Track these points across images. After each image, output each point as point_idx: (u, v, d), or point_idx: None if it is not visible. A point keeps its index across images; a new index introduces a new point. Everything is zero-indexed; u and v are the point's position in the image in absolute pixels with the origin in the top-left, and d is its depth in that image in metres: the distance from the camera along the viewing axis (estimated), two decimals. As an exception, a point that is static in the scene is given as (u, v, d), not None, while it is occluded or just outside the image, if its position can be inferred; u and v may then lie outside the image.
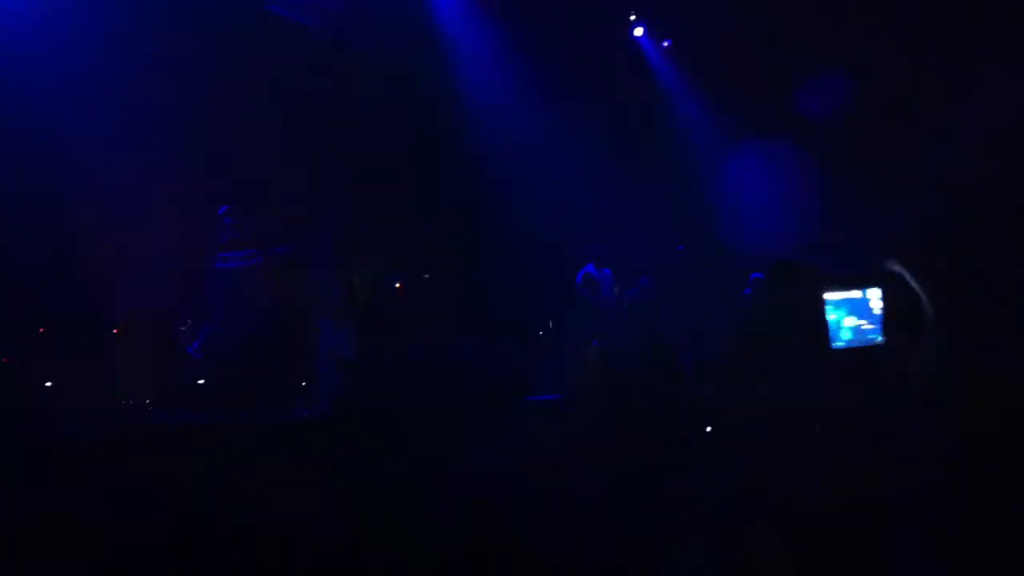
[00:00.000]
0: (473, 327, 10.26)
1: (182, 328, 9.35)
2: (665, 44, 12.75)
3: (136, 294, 9.02)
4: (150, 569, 3.87)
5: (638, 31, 12.62)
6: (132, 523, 4.42)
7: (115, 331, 8.61)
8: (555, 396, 6.67)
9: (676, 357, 6.12)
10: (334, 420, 7.31)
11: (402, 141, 10.96)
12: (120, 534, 4.28)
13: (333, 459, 5.66)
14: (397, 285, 10.61)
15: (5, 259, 8.41)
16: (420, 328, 10.05)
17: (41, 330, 8.15)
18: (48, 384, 7.75)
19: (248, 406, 8.09)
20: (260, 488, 4.84)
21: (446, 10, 11.36)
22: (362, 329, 8.52)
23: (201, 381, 8.64)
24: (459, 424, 4.46)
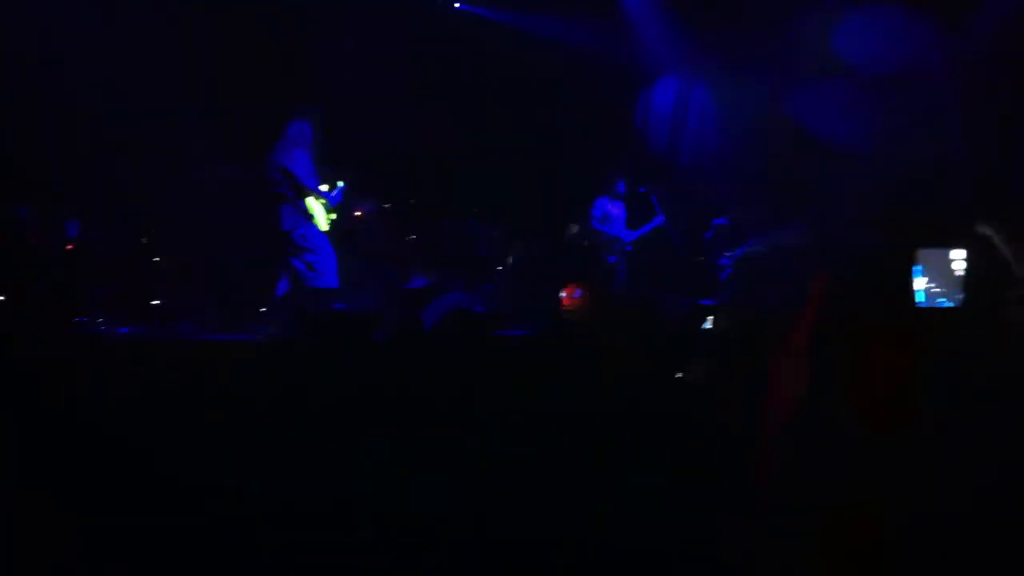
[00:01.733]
0: (435, 260, 10.22)
1: (137, 246, 9.20)
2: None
3: (94, 207, 8.85)
4: (94, 484, 3.78)
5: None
6: (82, 439, 4.34)
7: (69, 247, 8.44)
8: (524, 332, 6.65)
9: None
10: (294, 343, 7.25)
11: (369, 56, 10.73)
12: (68, 450, 4.19)
13: (289, 381, 5.60)
14: (358, 213, 10.50)
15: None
16: (381, 258, 9.98)
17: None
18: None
19: (207, 325, 8.03)
20: (217, 409, 4.76)
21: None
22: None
23: (156, 302, 8.54)
24: (426, 354, 4.39)
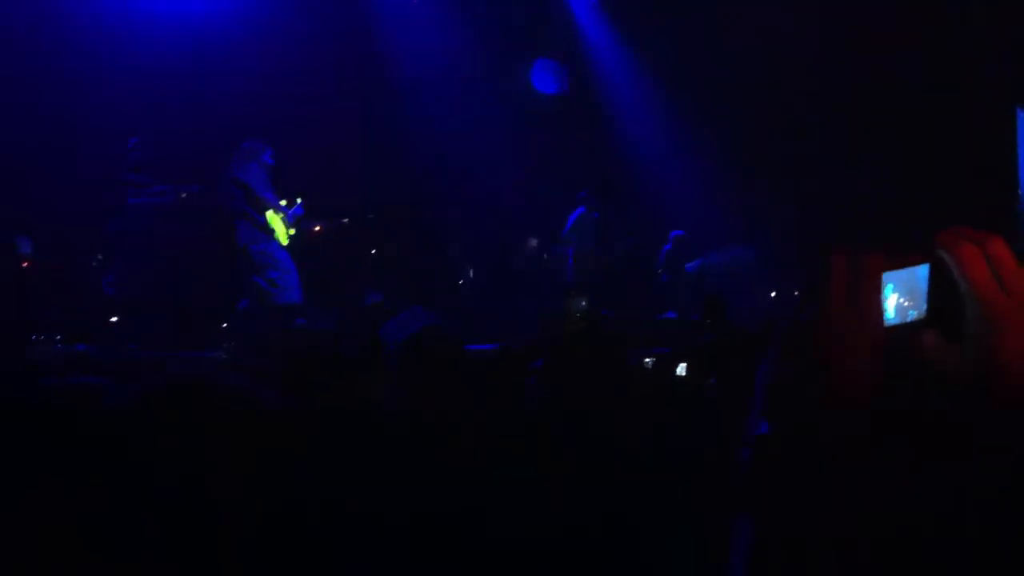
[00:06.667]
0: (396, 273, 10.18)
1: (93, 264, 9.06)
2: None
3: (46, 227, 8.71)
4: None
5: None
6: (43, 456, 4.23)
7: (24, 264, 8.29)
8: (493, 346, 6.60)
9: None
10: (255, 363, 7.16)
11: (327, 82, 10.72)
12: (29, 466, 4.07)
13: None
14: (316, 228, 10.43)
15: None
16: (340, 272, 9.93)
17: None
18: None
19: (161, 345, 7.88)
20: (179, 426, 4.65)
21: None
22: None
23: (114, 319, 8.39)
24: (393, 366, 4.32)
